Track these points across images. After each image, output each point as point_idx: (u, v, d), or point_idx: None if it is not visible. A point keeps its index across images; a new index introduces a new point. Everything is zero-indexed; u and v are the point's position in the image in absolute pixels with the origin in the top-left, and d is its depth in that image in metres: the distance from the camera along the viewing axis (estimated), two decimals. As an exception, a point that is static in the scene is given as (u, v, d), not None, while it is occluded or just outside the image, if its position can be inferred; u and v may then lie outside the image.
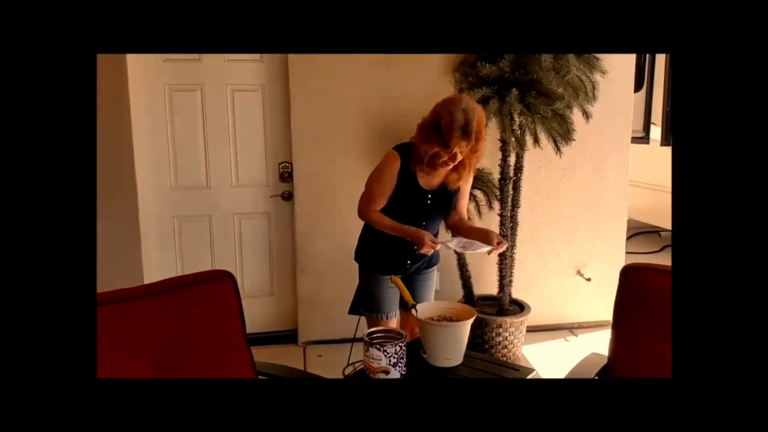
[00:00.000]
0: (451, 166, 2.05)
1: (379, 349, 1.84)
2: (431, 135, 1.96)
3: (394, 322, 2.31)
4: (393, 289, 2.26)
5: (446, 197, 2.19)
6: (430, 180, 2.13)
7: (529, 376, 1.95)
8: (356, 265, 2.38)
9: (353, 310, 2.43)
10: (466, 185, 2.26)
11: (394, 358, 1.84)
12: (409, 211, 2.16)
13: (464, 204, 2.31)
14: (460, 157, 2.00)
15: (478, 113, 1.97)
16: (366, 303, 2.32)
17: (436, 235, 2.33)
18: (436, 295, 3.37)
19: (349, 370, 2.93)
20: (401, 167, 2.09)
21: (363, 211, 2.18)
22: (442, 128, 1.92)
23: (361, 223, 2.30)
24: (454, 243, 2.11)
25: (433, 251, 2.10)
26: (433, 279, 2.42)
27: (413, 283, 2.31)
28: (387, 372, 1.84)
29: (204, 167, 3.26)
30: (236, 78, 3.18)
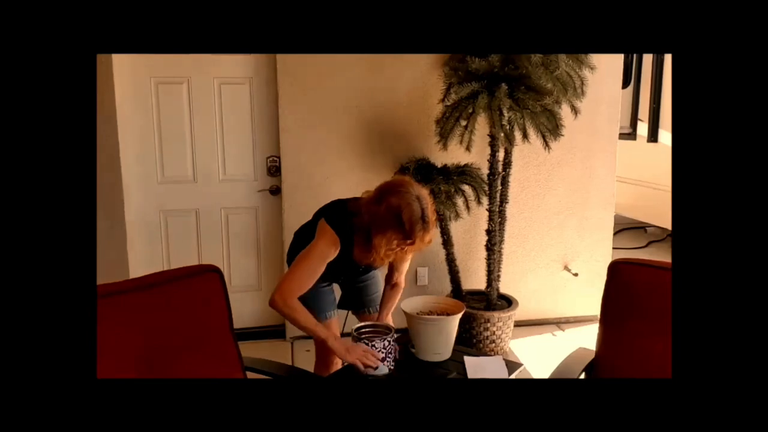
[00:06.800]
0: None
1: (368, 344, 1.83)
2: (392, 227, 1.79)
3: (334, 323, 2.17)
4: (327, 289, 2.15)
5: (370, 269, 2.13)
6: (365, 258, 1.96)
7: (517, 371, 1.95)
8: None
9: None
10: (405, 261, 2.15)
11: (382, 352, 1.84)
12: (338, 278, 2.11)
13: (403, 271, 2.19)
14: (418, 247, 1.87)
15: (429, 199, 1.86)
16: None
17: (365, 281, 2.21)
18: (425, 290, 3.39)
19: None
20: (340, 250, 1.92)
21: (286, 307, 1.86)
22: (403, 222, 1.77)
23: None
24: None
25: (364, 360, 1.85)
26: (377, 278, 2.28)
27: (354, 286, 2.22)
28: (375, 367, 1.83)
29: (191, 161, 3.22)
30: (223, 71, 3.15)
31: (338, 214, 1.95)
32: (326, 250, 1.91)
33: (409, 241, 1.81)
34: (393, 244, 1.82)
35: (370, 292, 2.25)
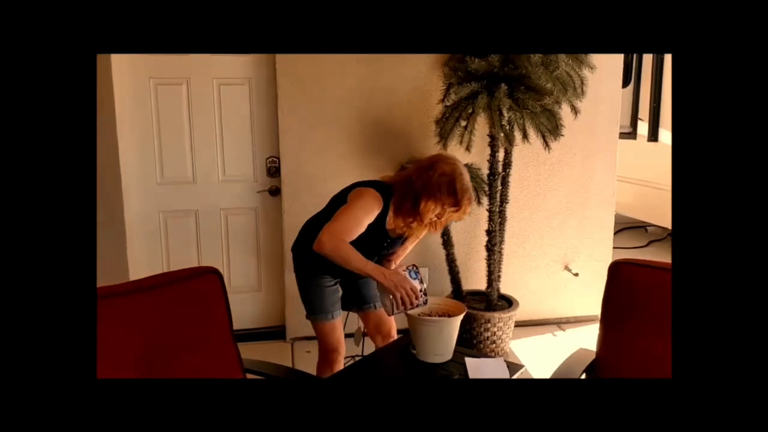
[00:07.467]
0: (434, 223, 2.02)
1: (421, 284, 1.93)
2: (444, 192, 1.91)
3: (339, 323, 2.17)
4: (333, 288, 2.15)
5: (396, 243, 2.16)
6: (395, 227, 2.04)
7: (519, 372, 1.95)
8: None
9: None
10: (417, 239, 2.23)
11: (419, 298, 1.90)
12: (367, 253, 2.05)
13: (403, 254, 2.27)
14: (460, 217, 2.00)
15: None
16: (307, 304, 2.16)
17: None
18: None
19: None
20: (380, 211, 1.98)
21: (335, 242, 1.86)
22: (456, 189, 1.91)
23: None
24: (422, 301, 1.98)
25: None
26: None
27: (356, 282, 2.22)
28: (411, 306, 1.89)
29: (190, 162, 3.22)
30: (222, 71, 3.14)
31: (371, 183, 2.02)
32: (372, 203, 1.95)
33: (455, 208, 1.94)
34: (439, 210, 1.94)
35: (373, 286, 2.21)
